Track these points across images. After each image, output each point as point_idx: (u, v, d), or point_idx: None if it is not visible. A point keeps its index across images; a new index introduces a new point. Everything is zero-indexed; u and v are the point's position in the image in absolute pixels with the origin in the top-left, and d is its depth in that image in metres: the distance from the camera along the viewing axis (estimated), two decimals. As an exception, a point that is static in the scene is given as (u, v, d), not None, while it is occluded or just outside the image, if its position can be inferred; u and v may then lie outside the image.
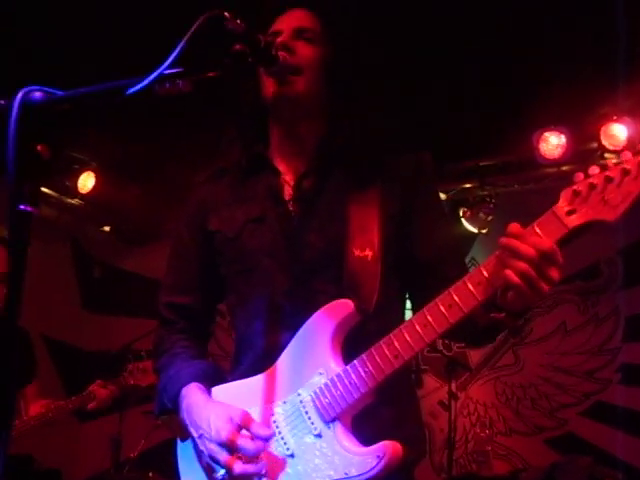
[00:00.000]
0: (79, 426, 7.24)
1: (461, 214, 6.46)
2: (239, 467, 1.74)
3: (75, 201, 6.77)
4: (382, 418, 1.84)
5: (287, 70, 1.88)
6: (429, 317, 1.66)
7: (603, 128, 5.53)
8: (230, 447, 1.75)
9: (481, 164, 6.16)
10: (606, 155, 5.72)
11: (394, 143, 2.11)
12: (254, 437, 1.76)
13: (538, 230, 1.59)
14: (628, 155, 1.53)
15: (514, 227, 1.61)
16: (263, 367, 1.90)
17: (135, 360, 4.70)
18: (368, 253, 1.87)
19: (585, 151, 5.77)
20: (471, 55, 4.79)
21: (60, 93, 1.18)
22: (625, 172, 1.52)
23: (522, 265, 1.56)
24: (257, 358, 1.93)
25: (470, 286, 1.63)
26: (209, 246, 2.08)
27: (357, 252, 1.87)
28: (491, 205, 6.30)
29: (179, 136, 5.68)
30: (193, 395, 1.91)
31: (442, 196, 5.93)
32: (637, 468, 5.58)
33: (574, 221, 1.57)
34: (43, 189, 6.43)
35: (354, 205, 1.93)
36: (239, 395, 1.91)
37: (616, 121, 5.48)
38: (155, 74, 1.26)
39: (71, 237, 7.78)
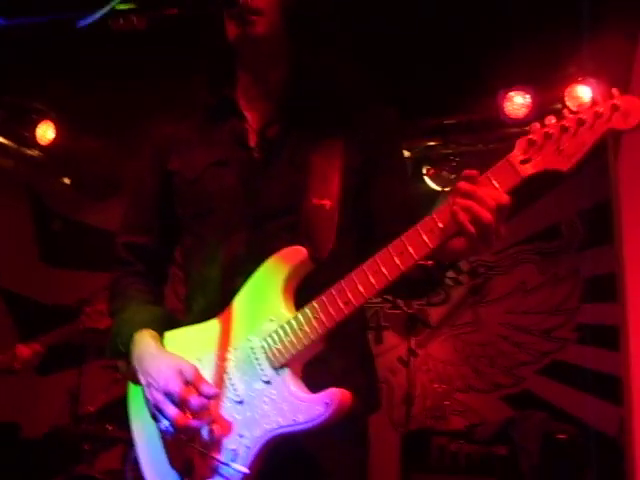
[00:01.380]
0: (38, 380, 7.19)
1: (424, 172, 6.45)
2: (182, 420, 1.73)
3: (34, 152, 6.62)
4: (333, 367, 1.85)
5: (247, 12, 1.84)
6: (380, 263, 1.65)
7: (568, 89, 5.54)
8: (175, 400, 1.74)
9: (445, 122, 6.13)
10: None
11: (360, 95, 2.09)
12: (200, 394, 1.75)
13: (492, 179, 1.57)
14: (584, 105, 1.52)
15: (472, 173, 1.59)
16: (216, 312, 1.89)
17: (92, 301, 4.68)
18: (326, 202, 1.86)
19: (549, 112, 5.74)
20: (440, 10, 4.74)
21: (3, 21, 1.12)
22: (580, 122, 1.51)
23: (484, 214, 1.54)
24: (210, 303, 1.92)
25: (422, 233, 1.61)
26: (168, 186, 2.05)
27: (315, 200, 1.86)
28: (454, 163, 6.30)
29: (141, 86, 5.57)
30: (145, 342, 1.90)
31: (406, 154, 5.92)
32: (591, 425, 5.70)
33: (528, 170, 1.55)
34: (0, 139, 6.29)
35: (317, 155, 1.92)
36: (191, 341, 1.91)
37: (581, 82, 5.49)
38: (108, 7, 1.21)
39: (29, 189, 7.64)
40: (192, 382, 1.76)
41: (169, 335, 1.95)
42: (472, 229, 1.55)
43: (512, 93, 5.67)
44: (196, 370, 1.79)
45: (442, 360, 6.77)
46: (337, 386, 1.72)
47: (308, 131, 1.96)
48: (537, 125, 1.56)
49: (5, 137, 6.35)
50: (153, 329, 1.94)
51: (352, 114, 2.02)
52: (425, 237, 1.61)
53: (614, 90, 1.49)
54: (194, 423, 1.74)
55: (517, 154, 1.56)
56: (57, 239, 7.84)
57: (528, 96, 5.65)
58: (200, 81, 2.09)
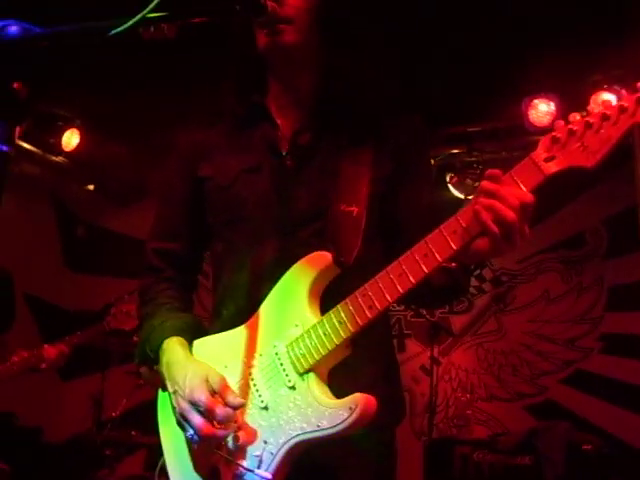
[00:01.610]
0: (62, 385, 7.24)
1: (448, 180, 6.43)
2: (207, 429, 1.73)
3: (59, 159, 6.68)
4: (361, 377, 1.83)
5: (276, 20, 1.84)
6: (404, 266, 1.63)
7: (593, 97, 5.51)
8: (201, 409, 1.74)
9: (469, 130, 6.12)
10: (595, 124, 5.70)
11: (390, 102, 2.09)
12: (226, 404, 1.75)
13: (516, 178, 1.55)
14: (609, 101, 1.50)
15: (495, 172, 1.57)
16: (244, 319, 1.89)
17: (118, 303, 4.71)
18: (354, 209, 1.85)
19: (572, 113, 5.73)
20: (466, 19, 4.74)
21: (39, 29, 1.13)
22: (605, 117, 1.48)
23: (507, 213, 1.52)
24: (239, 310, 1.92)
25: (446, 234, 1.59)
26: (198, 192, 2.05)
27: (343, 207, 1.86)
28: (478, 171, 6.28)
29: (166, 94, 5.60)
30: (174, 350, 1.91)
31: (429, 161, 5.90)
32: (614, 435, 5.65)
33: (552, 168, 1.52)
34: (26, 145, 6.36)
35: (346, 163, 1.92)
36: (219, 348, 1.91)
37: (606, 90, 5.46)
38: (139, 16, 1.22)
39: (54, 195, 7.70)
40: (218, 392, 1.76)
41: (198, 343, 1.96)
42: (495, 228, 1.53)
43: (537, 101, 5.65)
44: (223, 379, 1.79)
45: (465, 369, 6.73)
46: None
47: (339, 138, 1.96)
48: (561, 122, 1.54)
49: (31, 144, 6.42)
50: (182, 337, 1.94)
51: (382, 121, 2.02)
52: (449, 238, 1.59)
53: (639, 84, 1.46)
54: (219, 433, 1.74)
55: (541, 152, 1.54)
56: (81, 245, 7.90)
57: (553, 104, 5.63)
58: (228, 88, 2.09)
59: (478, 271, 6.81)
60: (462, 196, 6.39)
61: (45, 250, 7.60)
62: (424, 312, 6.79)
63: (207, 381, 1.78)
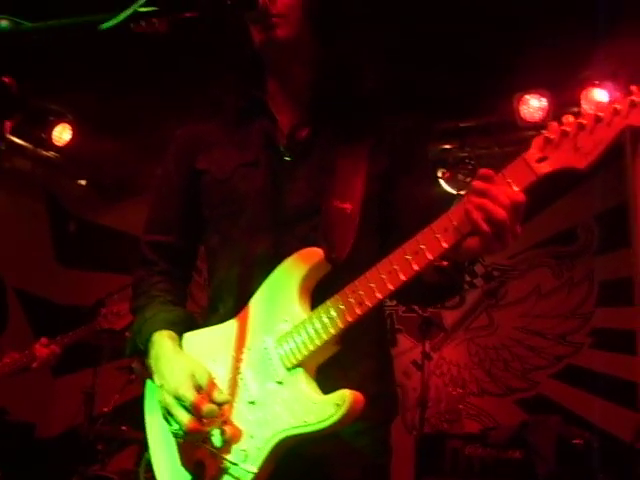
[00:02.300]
0: (53, 380, 7.23)
1: (440, 175, 6.44)
2: (191, 425, 1.72)
3: (50, 154, 6.67)
4: (354, 373, 1.83)
5: (268, 15, 1.84)
6: (394, 264, 1.63)
7: (584, 92, 5.52)
8: (186, 405, 1.74)
9: (461, 125, 6.13)
10: (586, 119, 5.72)
11: (388, 97, 2.09)
12: (211, 400, 1.75)
13: (508, 178, 1.55)
14: (603, 103, 1.50)
15: (487, 172, 1.56)
16: (237, 313, 1.89)
17: (108, 303, 4.73)
18: (348, 206, 1.85)
19: (565, 114, 5.75)
20: (456, 14, 4.74)
21: (29, 24, 1.13)
22: (598, 119, 1.48)
23: (498, 212, 1.52)
24: (235, 303, 1.92)
25: (436, 232, 1.59)
26: (195, 185, 2.05)
27: (337, 203, 1.86)
28: (470, 167, 6.28)
29: (158, 88, 5.59)
30: (162, 343, 1.90)
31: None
32: (604, 429, 5.67)
33: (544, 168, 1.52)
34: (17, 140, 6.34)
35: (343, 159, 1.92)
36: (208, 342, 1.91)
37: (597, 86, 5.47)
38: (130, 10, 1.22)
39: (46, 190, 7.69)
40: (204, 388, 1.76)
41: (188, 336, 1.95)
42: (486, 227, 1.53)
43: (528, 96, 5.67)
44: (209, 375, 1.79)
45: (456, 363, 6.75)
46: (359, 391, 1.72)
47: (337, 134, 1.96)
48: (555, 124, 1.53)
49: (22, 139, 6.40)
50: (173, 330, 1.94)
51: (380, 118, 2.02)
52: (439, 236, 1.59)
53: (633, 87, 1.46)
54: (204, 428, 1.74)
55: (533, 152, 1.54)
56: (73, 240, 7.88)
57: (544, 99, 5.64)
58: (227, 82, 2.10)
59: (470, 266, 6.83)
60: (454, 191, 6.40)
61: (36, 245, 7.59)
62: (415, 307, 6.81)
63: (193, 376, 1.77)
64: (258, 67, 2.04)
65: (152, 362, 1.89)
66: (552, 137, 1.52)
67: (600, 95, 5.46)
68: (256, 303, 1.86)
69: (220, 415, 1.75)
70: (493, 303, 6.71)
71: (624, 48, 4.85)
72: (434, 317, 6.60)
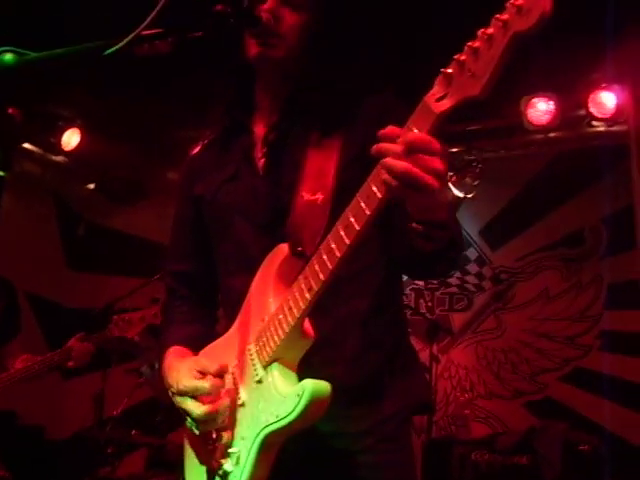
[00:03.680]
0: (62, 384, 7.25)
1: (447, 179, 6.43)
2: (199, 409, 1.80)
3: (59, 158, 6.71)
4: (364, 364, 1.86)
5: (269, 34, 1.88)
6: (332, 242, 1.59)
7: (591, 95, 5.52)
8: (189, 393, 1.81)
9: (468, 128, 6.12)
10: (594, 123, 5.71)
11: (360, 87, 2.08)
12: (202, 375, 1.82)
13: (411, 126, 1.45)
14: (493, 21, 1.34)
15: (387, 131, 1.48)
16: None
17: (119, 312, 4.73)
18: (319, 197, 1.85)
19: (573, 118, 5.76)
20: (461, 15, 4.73)
21: (33, 55, 1.14)
22: (489, 38, 1.33)
23: (396, 165, 1.42)
24: (235, 313, 1.97)
25: (360, 201, 1.53)
26: (199, 212, 2.12)
27: (307, 196, 1.86)
28: (477, 170, 6.27)
29: (165, 93, 5.62)
30: (169, 358, 1.99)
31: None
32: (613, 433, 5.67)
33: (443, 106, 1.40)
34: (26, 145, 6.37)
35: (313, 151, 1.92)
36: (218, 354, 1.96)
37: (605, 89, 5.47)
38: (133, 35, 1.23)
39: (55, 194, 7.72)
40: (199, 370, 1.84)
41: (203, 351, 2.02)
42: (395, 183, 1.44)
43: (535, 99, 5.66)
44: (200, 360, 1.88)
45: (464, 366, 6.75)
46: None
47: (308, 130, 1.96)
48: (454, 57, 1.41)
49: (32, 144, 6.44)
50: (183, 345, 2.02)
51: (351, 106, 2.00)
52: (363, 205, 1.52)
53: (507, 4, 1.30)
54: (209, 409, 1.79)
55: (434, 92, 1.43)
56: (83, 244, 7.91)
57: (551, 102, 5.63)
58: (217, 105, 2.14)
59: (477, 269, 6.83)
60: (462, 195, 6.39)
61: (46, 249, 7.62)
62: (423, 311, 6.81)
63: (190, 369, 1.85)
64: (248, 83, 2.08)
65: (164, 380, 1.97)
66: (450, 71, 1.40)
67: (607, 98, 5.46)
68: (244, 309, 1.93)
69: (226, 393, 1.81)
70: (501, 306, 6.70)
71: (631, 51, 4.85)
72: (442, 320, 6.61)
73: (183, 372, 1.86)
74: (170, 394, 1.91)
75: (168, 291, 2.23)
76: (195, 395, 1.81)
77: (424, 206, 1.55)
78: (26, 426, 6.23)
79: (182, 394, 1.83)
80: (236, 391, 1.83)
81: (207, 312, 2.22)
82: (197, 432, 1.86)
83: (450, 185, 6.39)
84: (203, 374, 1.82)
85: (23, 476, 5.07)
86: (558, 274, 6.55)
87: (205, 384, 1.80)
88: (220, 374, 1.82)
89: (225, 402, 1.81)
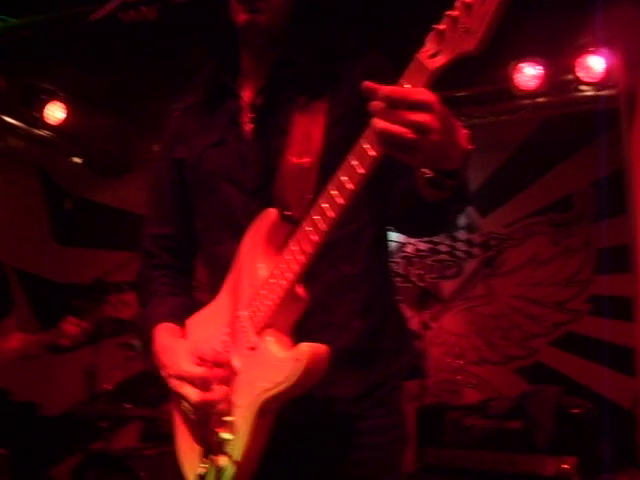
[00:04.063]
0: (54, 358, 7.23)
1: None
2: (198, 397, 1.77)
3: (44, 132, 6.63)
4: (347, 330, 1.85)
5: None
6: (323, 203, 1.57)
7: (579, 60, 5.49)
8: (188, 380, 1.79)
9: (456, 94, 6.07)
10: (582, 87, 5.69)
11: (347, 49, 2.05)
12: (202, 362, 1.80)
13: (404, 82, 1.42)
14: None
15: (379, 90, 1.40)
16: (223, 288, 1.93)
17: (116, 292, 4.69)
18: (306, 160, 1.82)
19: (561, 82, 5.73)
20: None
21: (14, 20, 1.11)
22: None
23: (390, 128, 1.37)
24: (221, 280, 1.94)
25: (352, 161, 1.50)
26: (180, 175, 2.09)
27: (294, 160, 1.83)
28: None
29: (150, 65, 5.54)
30: (162, 337, 1.95)
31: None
32: (604, 396, 5.71)
33: (437, 62, 1.38)
34: (10, 120, 6.30)
35: (300, 115, 1.89)
36: (205, 323, 1.95)
37: (593, 53, 5.44)
38: (118, 0, 1.20)
39: (41, 169, 7.66)
40: (200, 357, 1.81)
41: (189, 322, 1.99)
42: (387, 146, 1.41)
43: (523, 64, 5.62)
44: (194, 343, 1.85)
45: (455, 333, 6.78)
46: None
47: (294, 94, 1.93)
48: (447, 13, 1.37)
49: (15, 118, 6.36)
50: (171, 321, 1.97)
51: (338, 69, 1.96)
52: (355, 163, 1.49)
53: None
54: (207, 396, 1.77)
55: (427, 49, 1.40)
56: (70, 218, 7.87)
57: (539, 67, 5.60)
58: (203, 67, 2.10)
59: (467, 236, 6.83)
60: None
61: (33, 224, 7.57)
62: (413, 279, 6.81)
63: (189, 353, 1.82)
64: (233, 47, 2.05)
65: (156, 358, 1.93)
66: (443, 28, 1.37)
67: (595, 62, 5.43)
68: (232, 276, 1.89)
69: (225, 381, 1.78)
70: (491, 272, 6.72)
71: (619, 15, 4.81)
72: (432, 287, 6.62)
73: (182, 355, 1.83)
74: (164, 374, 1.88)
75: (146, 255, 2.16)
76: (190, 381, 1.79)
77: (418, 162, 1.49)
78: (19, 402, 6.22)
79: (180, 378, 1.80)
80: (232, 360, 1.81)
81: (187, 281, 2.18)
82: (193, 417, 1.84)
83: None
84: (203, 361, 1.80)
85: (18, 452, 5.07)
86: (547, 239, 6.56)
87: (204, 374, 1.77)
88: (221, 364, 1.79)
89: (224, 390, 1.78)
